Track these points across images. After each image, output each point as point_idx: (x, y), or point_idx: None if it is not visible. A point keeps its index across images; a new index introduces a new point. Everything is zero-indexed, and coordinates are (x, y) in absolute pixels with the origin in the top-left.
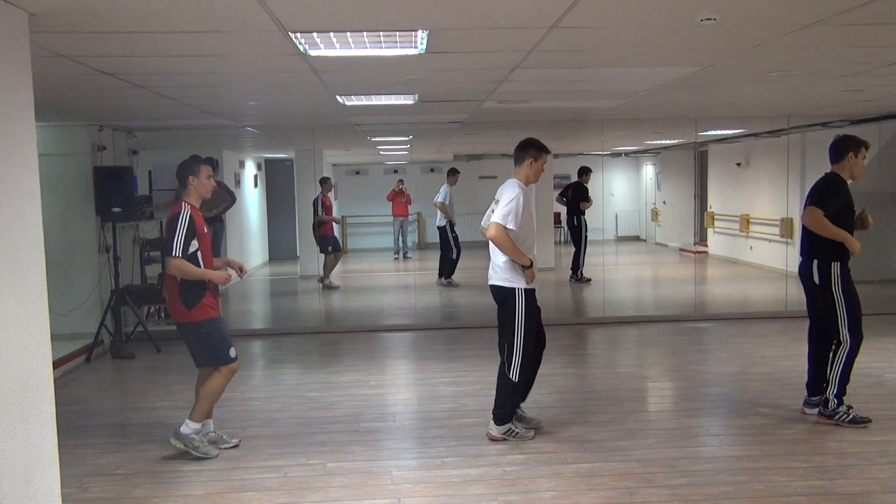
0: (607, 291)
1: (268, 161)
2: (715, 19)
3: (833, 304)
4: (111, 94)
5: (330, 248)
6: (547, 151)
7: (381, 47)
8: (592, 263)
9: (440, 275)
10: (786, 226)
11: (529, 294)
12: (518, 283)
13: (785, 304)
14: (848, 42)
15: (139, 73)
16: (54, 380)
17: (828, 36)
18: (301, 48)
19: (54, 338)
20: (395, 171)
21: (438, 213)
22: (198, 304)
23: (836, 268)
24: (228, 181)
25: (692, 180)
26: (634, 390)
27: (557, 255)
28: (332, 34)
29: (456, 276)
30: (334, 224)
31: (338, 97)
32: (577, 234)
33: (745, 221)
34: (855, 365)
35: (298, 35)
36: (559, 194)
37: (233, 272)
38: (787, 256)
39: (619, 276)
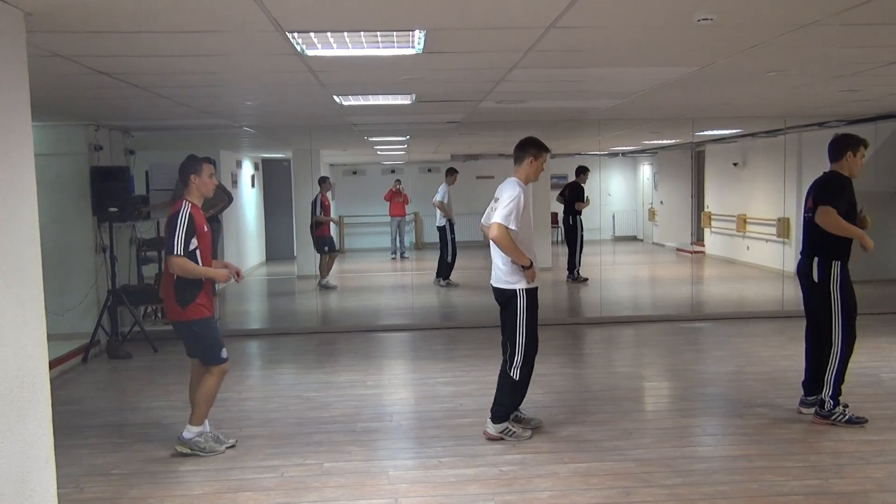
0: (604, 291)
1: (265, 161)
2: (712, 19)
3: (829, 302)
4: (108, 94)
5: (326, 249)
6: (547, 150)
7: (379, 47)
8: (589, 263)
9: (438, 275)
10: (782, 226)
11: (531, 293)
12: (519, 284)
13: (782, 303)
14: (845, 42)
15: (136, 72)
16: (51, 380)
17: (825, 36)
18: (298, 48)
19: (51, 338)
20: (393, 171)
21: (438, 213)
22: (192, 303)
23: (836, 267)
24: (225, 181)
25: (689, 180)
26: (631, 390)
27: (554, 255)
28: (329, 34)
29: (454, 276)
30: (331, 224)
31: (335, 97)
32: (572, 234)
33: (742, 221)
34: (851, 365)
35: (296, 35)
36: (559, 194)
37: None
38: (783, 256)
39: (616, 275)
